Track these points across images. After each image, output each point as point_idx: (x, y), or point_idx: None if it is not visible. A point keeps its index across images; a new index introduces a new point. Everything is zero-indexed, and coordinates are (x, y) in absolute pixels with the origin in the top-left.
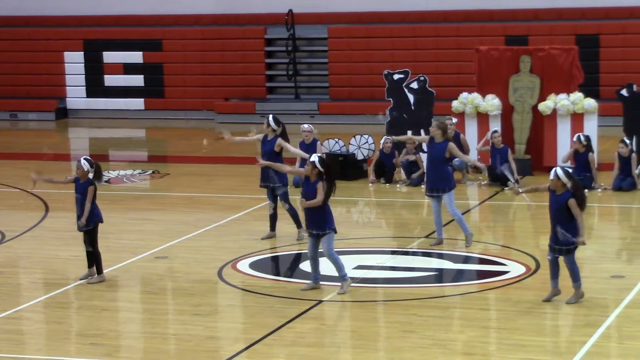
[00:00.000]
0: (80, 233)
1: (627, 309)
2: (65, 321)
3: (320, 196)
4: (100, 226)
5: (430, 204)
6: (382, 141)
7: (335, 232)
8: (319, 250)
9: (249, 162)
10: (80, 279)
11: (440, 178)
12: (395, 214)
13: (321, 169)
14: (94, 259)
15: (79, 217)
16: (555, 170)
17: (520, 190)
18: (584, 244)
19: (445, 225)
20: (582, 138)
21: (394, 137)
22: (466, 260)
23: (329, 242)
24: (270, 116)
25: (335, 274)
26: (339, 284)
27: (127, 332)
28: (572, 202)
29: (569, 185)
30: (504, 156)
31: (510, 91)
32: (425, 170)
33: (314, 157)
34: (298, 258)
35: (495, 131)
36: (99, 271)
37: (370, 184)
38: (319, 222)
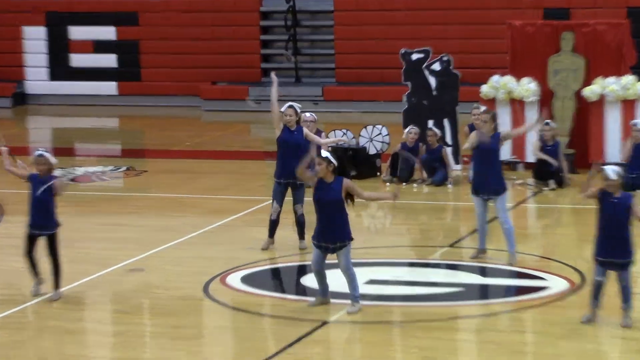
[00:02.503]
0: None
1: None
2: (23, 345)
3: (365, 191)
4: (64, 233)
5: (475, 208)
6: (406, 130)
7: (352, 240)
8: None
9: (240, 158)
10: (35, 294)
11: (497, 178)
12: (415, 219)
13: (336, 164)
14: (56, 270)
15: (36, 223)
16: (614, 169)
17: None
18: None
19: (473, 233)
20: None
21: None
22: (498, 273)
23: (347, 254)
24: (293, 103)
25: (345, 290)
26: (349, 301)
27: (95, 358)
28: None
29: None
30: (554, 153)
31: (550, 74)
32: (472, 169)
33: (325, 153)
34: (299, 270)
35: (547, 123)
36: (57, 285)
37: (387, 184)
38: (339, 231)
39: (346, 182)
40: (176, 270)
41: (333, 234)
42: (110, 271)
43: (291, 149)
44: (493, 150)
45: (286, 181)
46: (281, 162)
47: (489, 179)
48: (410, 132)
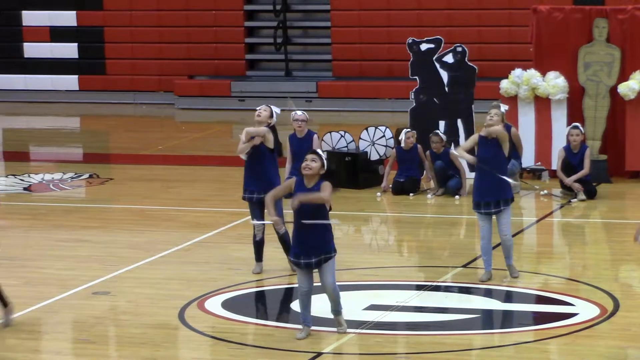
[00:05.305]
0: None
1: None
2: None
3: (326, 193)
4: (17, 250)
5: (479, 225)
6: (401, 136)
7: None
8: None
9: (221, 164)
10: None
11: (501, 186)
12: (423, 235)
13: (324, 169)
14: None
15: None
16: None
17: None
18: None
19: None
20: None
21: (453, 152)
22: (519, 298)
23: (333, 269)
24: (273, 106)
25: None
26: (335, 329)
27: None
28: None
29: None
30: (579, 160)
31: (580, 67)
32: (476, 178)
33: (318, 151)
34: (289, 294)
35: (576, 127)
36: (5, 304)
37: (378, 194)
38: (323, 242)
39: (325, 184)
40: (147, 294)
41: (318, 245)
42: (71, 294)
43: (254, 162)
44: (497, 154)
45: (250, 196)
46: (244, 174)
47: (496, 187)
48: (409, 138)
